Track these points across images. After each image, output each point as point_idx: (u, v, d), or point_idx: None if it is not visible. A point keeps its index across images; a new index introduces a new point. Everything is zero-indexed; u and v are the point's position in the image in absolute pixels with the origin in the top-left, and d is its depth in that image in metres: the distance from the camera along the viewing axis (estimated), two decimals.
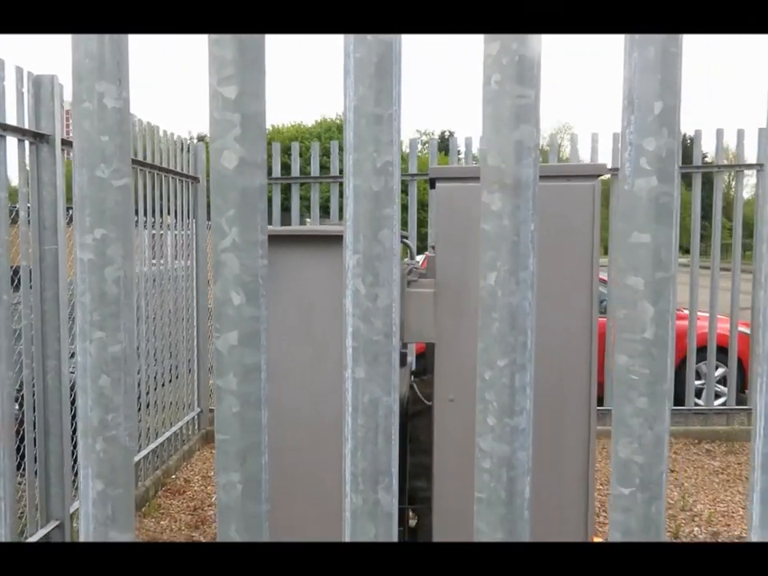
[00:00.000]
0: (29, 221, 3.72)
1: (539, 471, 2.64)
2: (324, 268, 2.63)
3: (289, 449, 2.69)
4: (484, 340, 0.96)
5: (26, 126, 3.65)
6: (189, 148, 6.26)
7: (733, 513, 4.57)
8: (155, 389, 5.64)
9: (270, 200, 6.85)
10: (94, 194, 0.95)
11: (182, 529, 4.65)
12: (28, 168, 3.72)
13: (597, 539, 4.02)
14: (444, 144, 7.53)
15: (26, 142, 3.67)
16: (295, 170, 6.77)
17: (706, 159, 6.68)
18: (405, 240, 3.64)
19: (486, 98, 0.93)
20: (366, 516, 0.98)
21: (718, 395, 6.79)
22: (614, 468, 0.96)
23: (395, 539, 1.00)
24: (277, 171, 6.76)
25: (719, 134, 6.32)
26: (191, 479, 5.58)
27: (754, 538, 0.95)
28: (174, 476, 5.61)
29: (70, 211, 4.08)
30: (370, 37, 0.91)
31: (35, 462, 3.86)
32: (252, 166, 0.94)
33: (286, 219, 7.02)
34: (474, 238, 2.72)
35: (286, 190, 7.05)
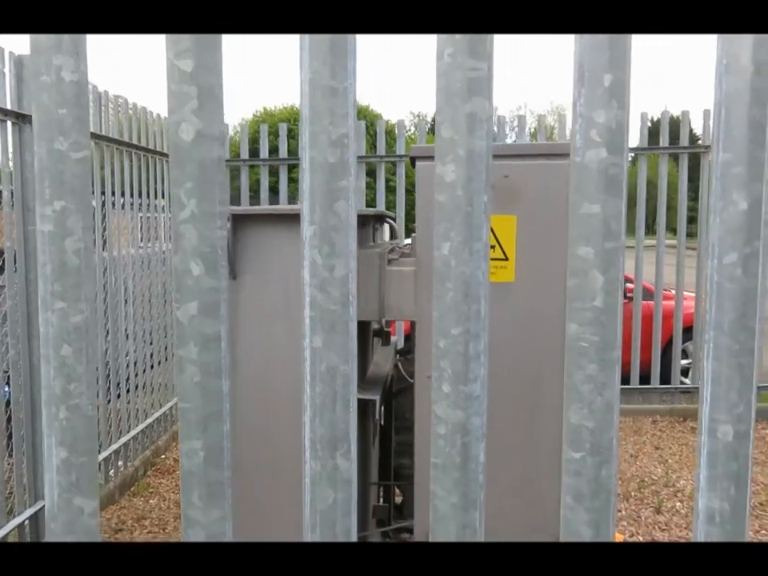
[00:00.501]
0: (12, 202, 3.71)
1: (519, 454, 2.67)
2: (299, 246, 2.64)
3: (273, 426, 2.71)
4: (438, 309, 0.98)
5: (8, 107, 3.63)
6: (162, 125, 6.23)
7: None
8: (144, 371, 5.66)
9: (257, 182, 6.83)
10: (52, 166, 0.97)
11: (170, 507, 4.69)
12: (11, 149, 3.71)
13: None
14: (434, 125, 7.46)
15: (8, 123, 3.65)
16: (283, 152, 6.74)
17: (699, 141, 6.67)
18: (389, 220, 3.65)
19: (439, 71, 0.94)
20: (325, 482, 1.00)
21: None
22: (566, 433, 0.98)
23: (354, 505, 1.02)
24: (265, 153, 6.73)
25: (707, 114, 6.32)
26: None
27: (701, 500, 0.98)
28: (163, 456, 5.65)
29: None
30: None
31: (23, 442, 3.88)
32: (209, 139, 0.96)
33: (274, 202, 6.99)
34: None
35: (275, 173, 7.01)
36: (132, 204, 5.26)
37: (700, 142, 6.60)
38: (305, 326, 0.99)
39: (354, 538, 1.03)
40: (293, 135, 6.86)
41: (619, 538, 3.95)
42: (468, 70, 0.93)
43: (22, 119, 3.70)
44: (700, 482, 0.98)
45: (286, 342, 2.72)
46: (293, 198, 7.96)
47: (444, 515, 1.00)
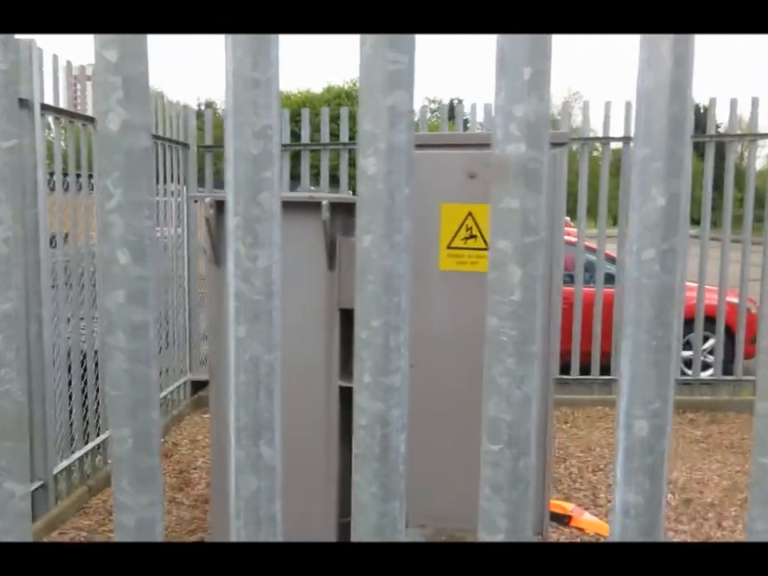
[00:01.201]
0: None
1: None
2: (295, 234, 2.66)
3: None
4: (360, 301, 0.99)
5: None
6: (179, 114, 6.25)
7: (708, 480, 4.62)
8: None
9: None
10: None
11: (165, 490, 4.74)
12: None
13: (555, 501, 4.08)
14: (453, 112, 7.43)
15: None
16: (305, 137, 6.57)
17: (719, 129, 6.57)
18: None
19: (361, 61, 0.94)
20: (249, 469, 1.02)
21: (708, 366, 6.82)
22: (484, 425, 0.99)
23: (278, 493, 1.04)
24: (285, 138, 6.65)
25: (733, 103, 6.16)
26: (179, 443, 5.67)
27: (617, 494, 0.99)
28: (162, 439, 5.71)
29: (50, 176, 4.11)
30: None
31: None
32: (136, 128, 0.97)
33: (294, 188, 6.94)
34: (423, 206, 2.74)
35: (296, 158, 6.91)
36: None
37: (722, 130, 6.48)
38: (230, 315, 1.01)
39: (278, 525, 1.05)
40: (309, 120, 6.75)
41: (604, 529, 3.96)
42: (389, 62, 0.93)
43: (19, 104, 3.73)
44: (617, 476, 0.99)
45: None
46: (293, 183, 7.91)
47: (364, 505, 1.01)
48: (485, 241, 2.74)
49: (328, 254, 2.77)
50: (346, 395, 2.89)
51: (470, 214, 2.70)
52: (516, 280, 0.95)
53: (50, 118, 4.13)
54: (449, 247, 2.73)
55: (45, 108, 3.91)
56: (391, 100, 0.94)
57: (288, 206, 2.65)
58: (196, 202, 2.74)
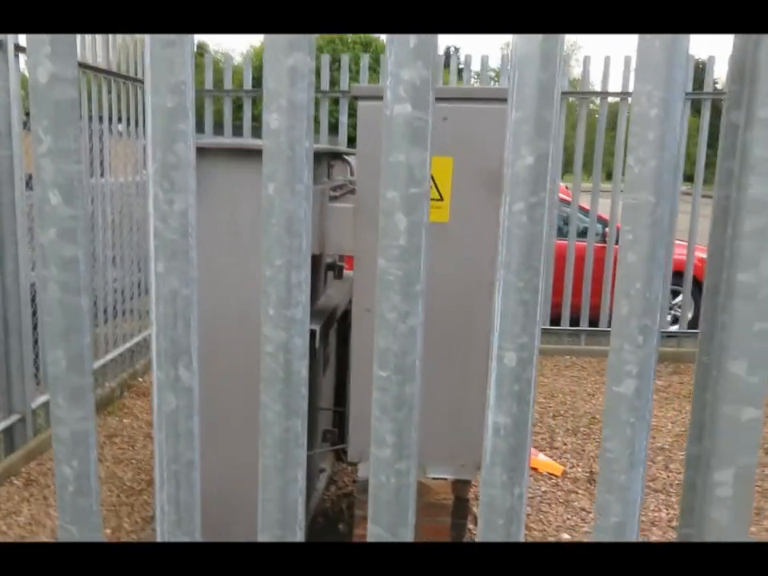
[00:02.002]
0: None
1: (451, 385, 2.83)
2: (248, 180, 2.75)
3: (220, 346, 2.87)
4: (265, 242, 1.11)
5: None
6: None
7: (662, 427, 4.84)
8: (132, 297, 5.86)
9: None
10: None
11: (141, 427, 4.92)
12: None
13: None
14: (447, 60, 7.41)
15: None
16: (248, 83, 6.60)
17: (716, 86, 6.58)
18: (346, 157, 3.74)
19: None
20: (167, 388, 1.15)
21: (677, 319, 7.01)
22: (376, 356, 1.12)
23: (195, 410, 1.17)
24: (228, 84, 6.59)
25: (731, 59, 6.19)
26: None
27: (490, 416, 1.13)
28: (140, 379, 5.87)
29: (26, 117, 4.16)
30: None
31: None
32: (63, 81, 1.07)
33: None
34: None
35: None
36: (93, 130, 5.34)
37: (719, 86, 6.50)
38: (150, 253, 1.12)
39: (196, 440, 1.19)
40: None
41: (556, 469, 4.17)
42: None
43: None
44: (490, 401, 1.13)
45: (236, 269, 2.85)
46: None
47: (270, 422, 1.15)
48: (439, 192, 2.84)
49: (310, 205, 2.86)
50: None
51: None
52: (402, 227, 1.07)
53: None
54: None
55: (19, 49, 3.94)
56: (292, 61, 1.04)
57: (235, 153, 2.76)
58: None
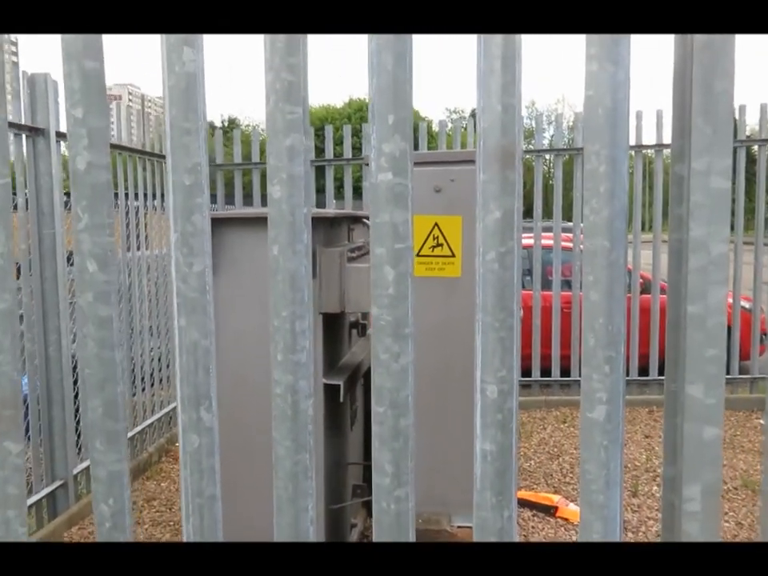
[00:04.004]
0: (27, 208, 4.10)
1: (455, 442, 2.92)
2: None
3: (246, 408, 3.02)
4: (272, 297, 1.27)
5: (23, 122, 4.02)
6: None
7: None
8: (168, 366, 6.08)
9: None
10: None
11: (179, 490, 5.05)
12: (25, 160, 4.10)
13: (542, 494, 4.31)
14: (475, 123, 7.59)
15: (23, 136, 4.04)
16: (328, 152, 6.75)
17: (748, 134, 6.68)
18: (365, 220, 3.93)
19: (267, 112, 1.23)
20: (191, 429, 1.30)
21: None
22: (373, 393, 1.26)
23: (216, 449, 1.32)
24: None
25: (763, 108, 6.29)
26: None
27: (477, 445, 1.25)
28: (177, 444, 6.02)
29: (66, 197, 4.45)
30: (177, 68, 1.22)
31: (39, 428, 4.27)
32: (97, 167, 1.26)
33: (320, 201, 7.08)
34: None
35: (320, 171, 7.00)
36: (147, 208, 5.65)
37: (749, 135, 6.61)
38: (173, 309, 1.29)
39: (218, 475, 1.33)
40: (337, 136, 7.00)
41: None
42: (287, 113, 1.21)
43: (35, 132, 4.08)
44: (476, 430, 1.26)
45: (259, 330, 3.02)
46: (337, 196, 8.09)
47: (281, 456, 1.29)
48: (450, 249, 3.00)
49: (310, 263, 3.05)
50: (329, 392, 3.16)
51: (436, 224, 2.97)
52: (390, 278, 1.22)
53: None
54: (418, 255, 3.00)
55: (60, 135, 4.26)
56: (290, 141, 1.22)
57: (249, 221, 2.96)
58: None
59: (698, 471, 1.19)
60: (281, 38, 1.20)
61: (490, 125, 1.19)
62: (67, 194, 4.54)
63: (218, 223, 3.09)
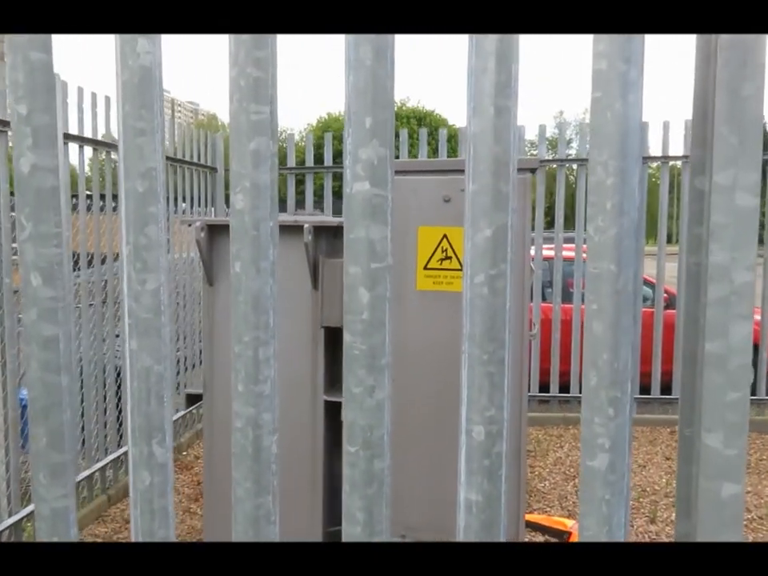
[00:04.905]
0: None
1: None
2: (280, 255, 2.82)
3: None
4: (234, 319, 1.13)
5: None
6: (207, 140, 6.52)
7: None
8: (177, 373, 5.97)
9: (322, 187, 7.03)
10: None
11: (182, 501, 4.93)
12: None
13: (556, 518, 4.13)
14: None
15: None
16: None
17: None
18: None
19: (230, 112, 1.09)
20: (142, 465, 1.16)
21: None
22: (345, 430, 1.11)
23: (170, 488, 1.18)
24: (329, 159, 6.80)
25: (693, 122, 6.13)
26: (201, 456, 5.86)
27: (461, 493, 1.10)
28: (185, 452, 5.91)
29: (74, 200, 4.36)
30: (131, 61, 1.09)
31: None
32: (44, 170, 1.13)
33: (338, 206, 7.07)
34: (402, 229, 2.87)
35: (339, 178, 6.96)
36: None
37: None
38: (124, 331, 1.15)
39: (171, 517, 1.19)
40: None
41: None
42: (252, 113, 1.07)
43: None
44: (460, 477, 1.10)
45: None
46: None
47: (240, 498, 1.14)
48: (459, 262, 2.85)
49: (312, 274, 2.91)
50: (330, 409, 3.03)
51: (445, 236, 2.82)
52: (365, 301, 1.08)
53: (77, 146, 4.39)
54: (425, 268, 2.85)
55: (68, 137, 4.17)
56: (255, 145, 1.08)
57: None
58: (190, 225, 2.92)
59: (715, 533, 1.03)
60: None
61: (482, 130, 1.04)
62: (74, 196, 4.46)
63: (213, 230, 2.97)
